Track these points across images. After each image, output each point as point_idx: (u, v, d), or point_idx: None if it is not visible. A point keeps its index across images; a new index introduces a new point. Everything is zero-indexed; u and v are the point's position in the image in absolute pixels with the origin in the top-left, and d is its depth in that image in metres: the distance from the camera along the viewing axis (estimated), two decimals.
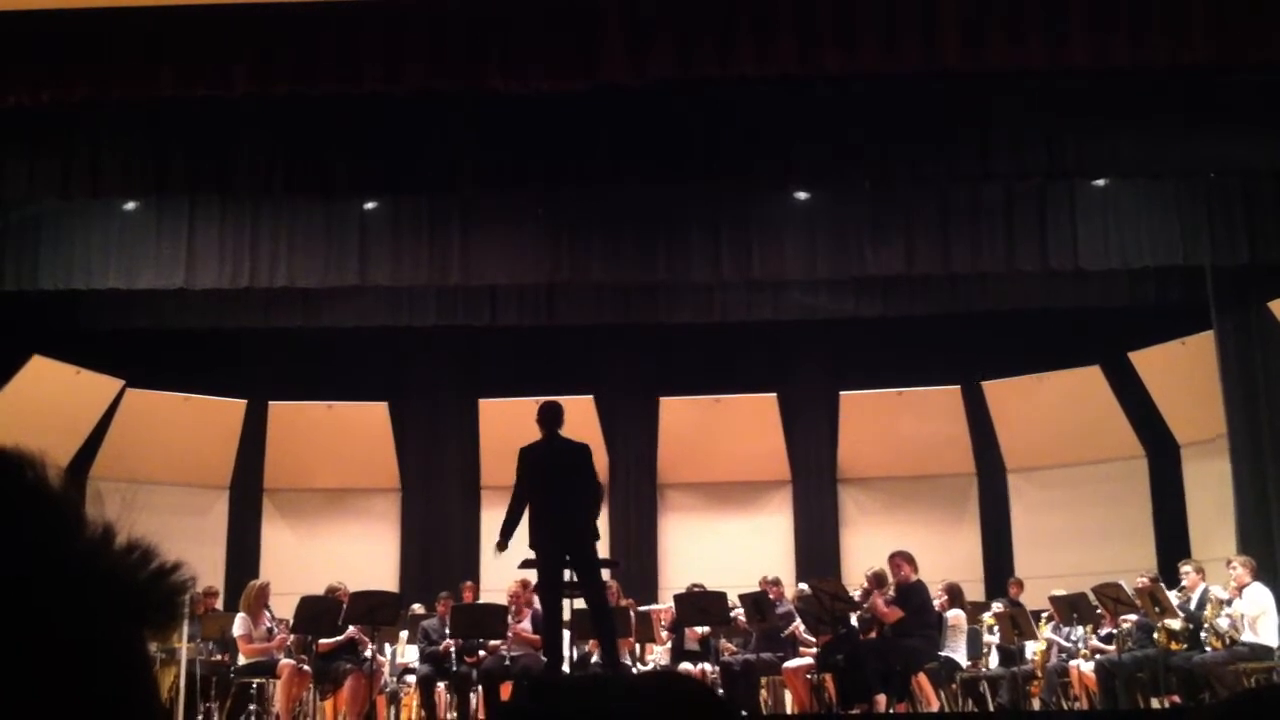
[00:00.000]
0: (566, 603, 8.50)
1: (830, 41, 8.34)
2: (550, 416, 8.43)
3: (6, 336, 12.57)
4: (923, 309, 13.44)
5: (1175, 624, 9.78)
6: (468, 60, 8.49)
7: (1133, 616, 10.07)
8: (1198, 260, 11.82)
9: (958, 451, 14.77)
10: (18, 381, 12.99)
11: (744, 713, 10.20)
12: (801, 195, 11.96)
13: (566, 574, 8.20)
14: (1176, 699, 9.52)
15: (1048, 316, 13.44)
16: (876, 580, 9.88)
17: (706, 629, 10.50)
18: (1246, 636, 9.46)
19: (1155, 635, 9.90)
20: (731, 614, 10.61)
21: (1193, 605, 9.97)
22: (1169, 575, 11.14)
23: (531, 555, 8.59)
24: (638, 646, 11.13)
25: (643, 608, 11.47)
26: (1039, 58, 8.45)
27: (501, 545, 8.32)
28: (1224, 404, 12.27)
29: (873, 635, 9.96)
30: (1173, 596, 10.06)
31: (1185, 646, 9.71)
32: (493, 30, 8.46)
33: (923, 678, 9.82)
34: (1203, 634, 9.74)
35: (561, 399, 13.63)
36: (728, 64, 8.47)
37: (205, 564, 13.48)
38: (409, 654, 11.49)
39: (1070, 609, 10.36)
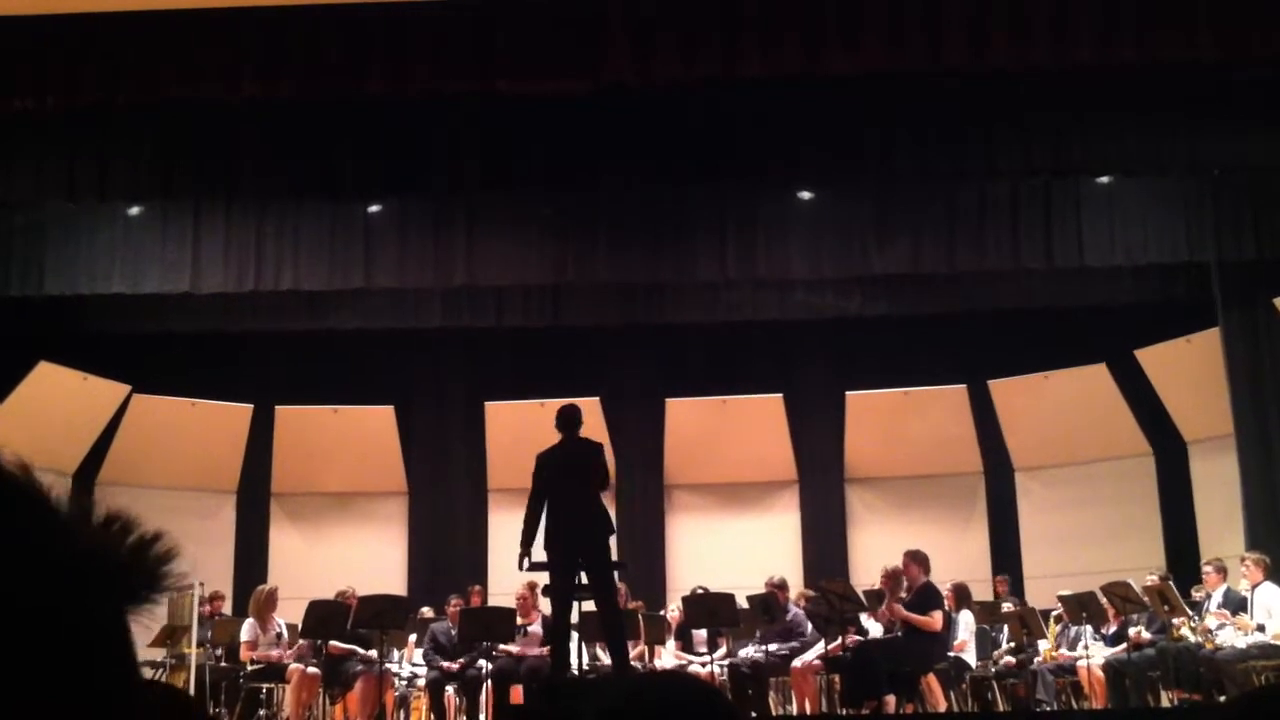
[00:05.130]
0: (574, 605, 8.47)
1: (835, 41, 8.34)
2: (565, 419, 8.49)
3: (13, 342, 12.57)
4: (928, 308, 13.43)
5: (1213, 622, 9.61)
6: (472, 62, 8.50)
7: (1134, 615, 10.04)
8: (1204, 257, 11.81)
9: (964, 450, 14.75)
10: (25, 387, 12.99)
11: (754, 714, 10.19)
12: (807, 195, 11.95)
13: (579, 577, 8.19)
14: (1185, 694, 9.49)
15: (1053, 314, 13.43)
16: (892, 578, 9.84)
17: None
18: (1257, 635, 9.41)
19: (1188, 633, 9.70)
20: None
21: (1212, 604, 9.86)
22: (1176, 573, 11.11)
23: (542, 558, 8.58)
24: (646, 649, 11.12)
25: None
26: (1044, 56, 8.45)
27: (522, 560, 8.26)
28: (1231, 401, 12.25)
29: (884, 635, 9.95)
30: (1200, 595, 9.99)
31: (1216, 644, 9.51)
32: (497, 32, 8.46)
33: (932, 678, 9.80)
34: (1219, 631, 9.64)
35: (568, 401, 13.69)
36: (732, 64, 8.47)
37: (213, 568, 13.44)
38: (418, 658, 11.49)
39: (1079, 608, 10.33)
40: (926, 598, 9.61)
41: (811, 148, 10.36)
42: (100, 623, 0.72)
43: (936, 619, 9.50)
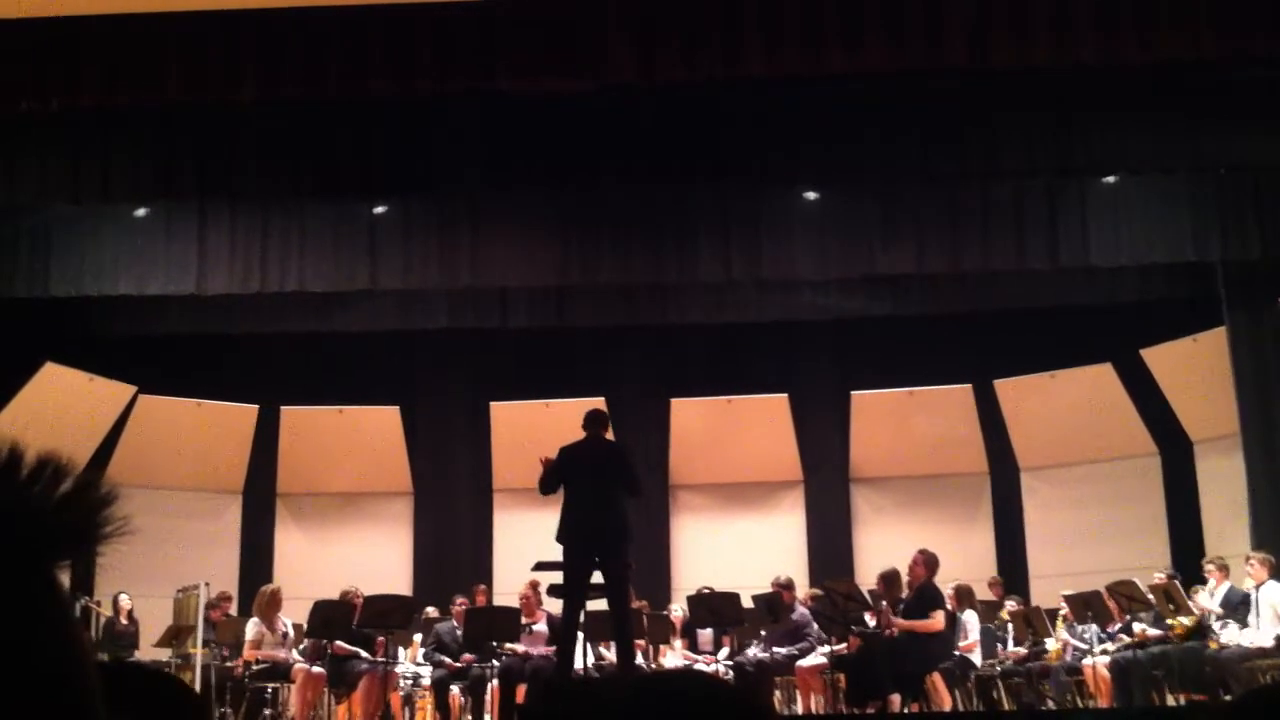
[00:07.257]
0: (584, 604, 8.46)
1: (835, 41, 8.34)
2: (592, 419, 8.59)
3: (19, 344, 12.61)
4: (933, 308, 13.43)
5: (1190, 621, 9.66)
6: (475, 63, 8.51)
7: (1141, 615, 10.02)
8: (1209, 256, 11.78)
9: (970, 450, 14.74)
10: (31, 389, 13.02)
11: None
12: (811, 195, 11.94)
13: (591, 577, 8.17)
14: (1190, 694, 9.48)
15: (1059, 314, 13.41)
16: (888, 581, 9.82)
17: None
18: (1263, 634, 9.39)
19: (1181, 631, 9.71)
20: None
21: (1215, 602, 9.84)
22: (1183, 572, 11.09)
23: (544, 557, 8.57)
24: (650, 648, 11.13)
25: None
26: (1047, 55, 8.44)
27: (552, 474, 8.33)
28: (1237, 400, 12.23)
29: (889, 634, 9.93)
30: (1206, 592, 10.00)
31: (1220, 643, 9.52)
32: (500, 32, 8.47)
33: (937, 677, 9.79)
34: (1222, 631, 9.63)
35: (573, 401, 13.71)
36: (735, 64, 8.47)
37: (219, 569, 13.51)
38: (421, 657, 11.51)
39: (1084, 607, 10.32)
40: (926, 599, 9.57)
41: (814, 147, 10.36)
42: (21, 582, 0.67)
43: (938, 619, 9.44)
